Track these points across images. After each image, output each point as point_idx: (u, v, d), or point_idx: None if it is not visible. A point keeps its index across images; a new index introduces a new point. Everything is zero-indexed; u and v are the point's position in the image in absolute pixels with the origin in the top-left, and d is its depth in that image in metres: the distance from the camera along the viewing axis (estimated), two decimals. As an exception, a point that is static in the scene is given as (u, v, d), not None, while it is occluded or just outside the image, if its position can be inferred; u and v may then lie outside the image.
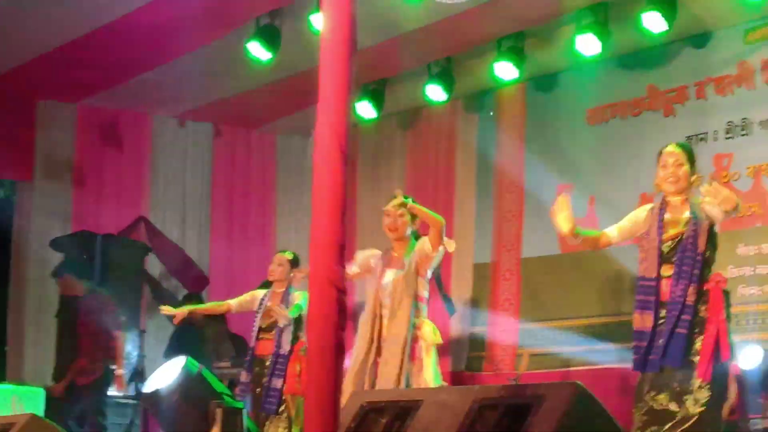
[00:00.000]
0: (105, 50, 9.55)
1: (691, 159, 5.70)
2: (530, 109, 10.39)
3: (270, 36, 9.20)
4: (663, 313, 5.42)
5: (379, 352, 6.67)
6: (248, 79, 10.21)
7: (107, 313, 9.18)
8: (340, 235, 3.55)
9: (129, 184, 11.31)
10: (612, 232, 5.80)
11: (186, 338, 10.20)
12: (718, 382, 5.32)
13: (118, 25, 9.10)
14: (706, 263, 5.45)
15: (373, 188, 11.52)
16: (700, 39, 9.18)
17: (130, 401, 9.93)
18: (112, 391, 9.83)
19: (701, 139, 9.06)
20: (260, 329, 8.02)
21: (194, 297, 10.78)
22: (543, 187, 10.08)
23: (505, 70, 9.46)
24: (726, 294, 5.49)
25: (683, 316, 5.31)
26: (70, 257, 10.12)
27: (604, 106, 9.80)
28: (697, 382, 5.25)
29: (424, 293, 6.82)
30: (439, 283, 10.37)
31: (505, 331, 10.07)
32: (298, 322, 7.96)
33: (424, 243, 6.81)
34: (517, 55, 9.39)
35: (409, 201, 6.80)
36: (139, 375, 9.79)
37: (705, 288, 5.38)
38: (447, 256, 10.51)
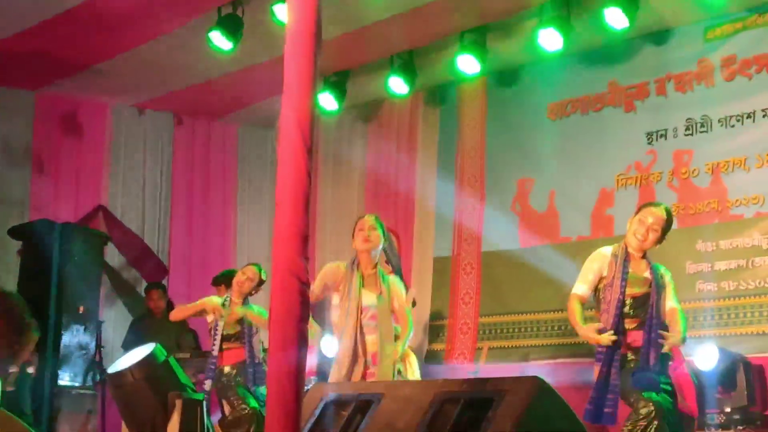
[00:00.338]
0: (64, 38, 9.44)
1: (667, 229, 5.87)
2: (492, 103, 10.41)
3: (232, 25, 9.13)
4: (630, 355, 5.59)
5: (366, 366, 6.65)
6: (209, 68, 10.15)
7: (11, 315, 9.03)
8: (304, 226, 3.53)
9: (88, 173, 11.20)
10: (583, 290, 5.88)
11: (146, 329, 10.14)
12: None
13: (78, 13, 8.99)
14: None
15: (335, 180, 11.52)
16: (661, 36, 9.25)
17: (88, 392, 9.85)
18: (65, 381, 9.75)
19: (661, 136, 9.13)
20: (223, 338, 7.83)
21: (153, 287, 10.70)
22: (504, 180, 10.13)
23: (467, 64, 9.47)
24: (683, 318, 5.75)
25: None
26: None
27: (566, 101, 9.84)
28: None
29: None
30: (399, 276, 10.39)
31: (465, 324, 10.10)
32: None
33: (401, 292, 6.90)
34: (480, 48, 9.40)
35: (401, 348, 6.79)
36: (96, 365, 9.71)
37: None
38: (407, 250, 10.57)
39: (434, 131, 10.82)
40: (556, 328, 9.46)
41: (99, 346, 9.88)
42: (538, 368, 9.11)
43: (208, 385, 7.72)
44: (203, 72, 10.36)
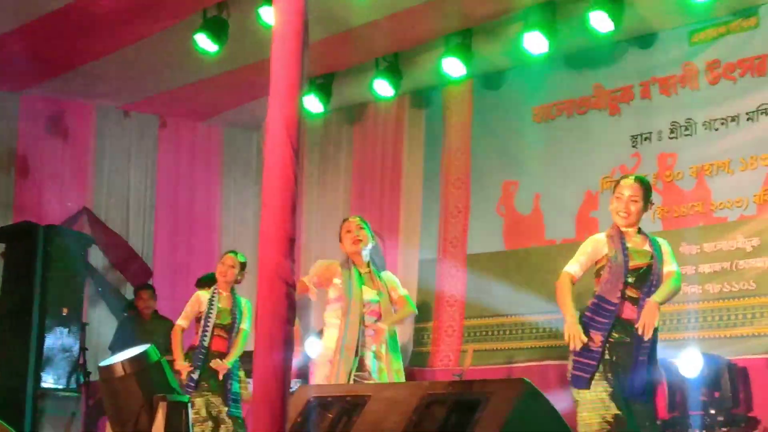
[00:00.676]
0: (49, 39, 9.42)
1: (647, 195, 5.75)
2: (477, 106, 10.42)
3: (217, 28, 9.13)
4: (618, 329, 5.53)
5: (362, 367, 6.64)
6: (195, 70, 10.14)
7: None
8: (290, 229, 3.53)
9: (72, 175, 11.18)
10: (575, 270, 5.78)
11: (133, 330, 10.08)
12: None
13: (63, 14, 8.97)
14: None
15: (320, 183, 11.51)
16: (645, 39, 9.28)
17: (71, 394, 9.82)
18: (48, 383, 9.72)
19: (645, 139, 9.16)
20: (215, 326, 7.82)
21: (143, 288, 10.65)
22: (489, 183, 10.15)
23: (453, 67, 9.48)
24: (674, 282, 5.71)
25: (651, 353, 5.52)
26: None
27: (550, 104, 9.86)
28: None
29: None
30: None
31: (450, 326, 10.11)
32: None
33: (396, 282, 6.95)
34: (465, 51, 9.41)
35: (386, 327, 6.78)
36: (80, 368, 9.67)
37: None
38: (393, 251, 10.57)
39: (420, 134, 10.83)
40: (541, 330, 9.47)
41: (83, 348, 9.85)
42: (524, 370, 9.14)
43: (196, 374, 7.70)
44: (188, 74, 10.35)
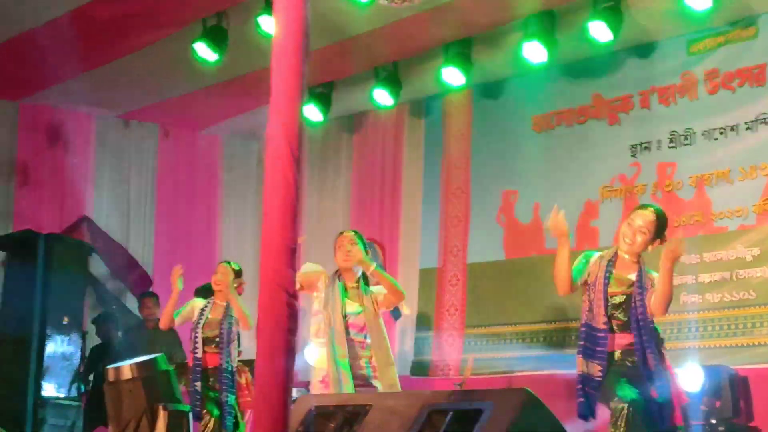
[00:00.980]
0: (48, 48, 9.41)
1: (660, 229, 5.55)
2: (476, 115, 10.43)
3: (217, 37, 9.13)
4: (618, 354, 5.48)
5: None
6: (194, 80, 10.14)
7: None
8: (292, 238, 3.53)
9: (72, 184, 11.17)
10: (579, 282, 5.75)
11: (137, 340, 10.05)
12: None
13: (62, 23, 8.97)
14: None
15: (320, 193, 11.51)
16: (644, 49, 9.28)
17: (72, 403, 9.82)
18: (49, 392, 9.71)
19: (645, 148, 9.16)
20: (204, 341, 7.79)
21: (147, 295, 10.63)
22: (489, 192, 10.15)
23: (452, 76, 9.49)
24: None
25: (658, 384, 5.39)
26: None
27: (550, 114, 9.87)
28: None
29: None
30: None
31: (450, 335, 10.10)
32: (239, 337, 7.91)
33: (382, 295, 6.76)
34: (464, 61, 9.42)
35: (374, 266, 6.74)
36: (81, 376, 9.68)
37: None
38: (392, 261, 10.58)
39: (419, 143, 10.84)
40: (541, 339, 9.47)
41: (83, 357, 9.85)
42: (524, 380, 9.13)
43: (199, 386, 7.67)
44: (188, 83, 10.35)
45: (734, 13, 8.67)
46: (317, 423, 4.57)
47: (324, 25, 8.68)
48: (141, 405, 6.66)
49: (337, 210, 11.30)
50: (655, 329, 5.50)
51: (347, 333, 6.56)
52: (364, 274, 6.76)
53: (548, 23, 8.81)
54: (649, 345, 5.40)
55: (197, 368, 7.66)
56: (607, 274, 5.54)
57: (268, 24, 8.45)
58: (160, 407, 6.62)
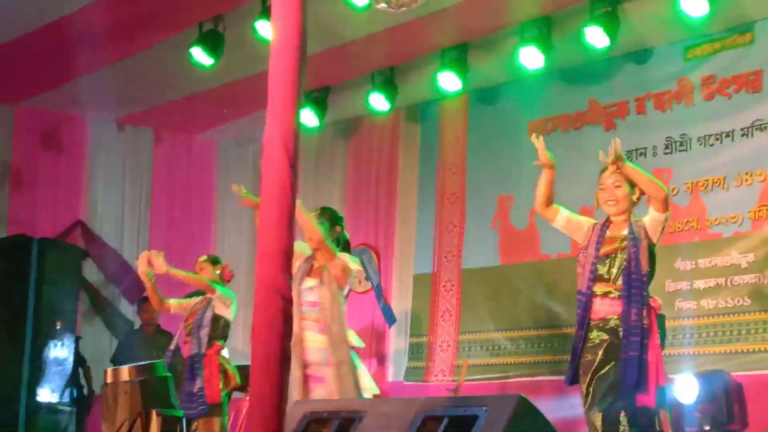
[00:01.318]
0: (43, 52, 9.41)
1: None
2: (472, 121, 10.43)
3: (213, 41, 9.13)
4: (594, 333, 5.39)
5: (305, 364, 6.53)
6: (190, 84, 10.13)
7: None
8: (287, 243, 3.53)
9: (66, 188, 11.15)
10: (563, 213, 5.75)
11: (135, 345, 10.03)
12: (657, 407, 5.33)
13: (57, 27, 8.96)
14: (648, 283, 5.45)
15: (315, 198, 11.48)
16: (641, 55, 9.29)
17: (65, 408, 9.79)
18: (42, 397, 9.69)
19: (641, 154, 9.16)
20: (186, 332, 7.91)
21: (146, 300, 10.60)
22: (484, 198, 10.15)
23: (448, 81, 9.49)
24: (661, 318, 5.51)
25: (644, 341, 5.27)
26: None
27: (546, 119, 9.86)
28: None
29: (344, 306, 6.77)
30: (378, 292, 10.39)
31: (445, 341, 10.09)
32: (215, 324, 7.84)
33: (344, 258, 6.72)
34: (460, 66, 9.43)
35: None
36: (74, 381, 9.65)
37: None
38: (388, 265, 10.56)
39: (415, 148, 10.83)
40: (536, 345, 9.46)
41: (77, 361, 9.83)
42: (518, 385, 9.13)
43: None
44: (183, 88, 10.34)
45: (731, 20, 8.68)
46: (311, 429, 4.56)
47: (320, 30, 8.67)
48: (136, 408, 6.69)
49: (331, 215, 11.27)
50: (647, 291, 5.39)
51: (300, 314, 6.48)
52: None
53: (544, 29, 8.81)
54: (635, 298, 5.29)
55: (168, 353, 7.79)
56: (599, 238, 5.50)
57: (264, 29, 8.44)
58: (154, 412, 6.64)
